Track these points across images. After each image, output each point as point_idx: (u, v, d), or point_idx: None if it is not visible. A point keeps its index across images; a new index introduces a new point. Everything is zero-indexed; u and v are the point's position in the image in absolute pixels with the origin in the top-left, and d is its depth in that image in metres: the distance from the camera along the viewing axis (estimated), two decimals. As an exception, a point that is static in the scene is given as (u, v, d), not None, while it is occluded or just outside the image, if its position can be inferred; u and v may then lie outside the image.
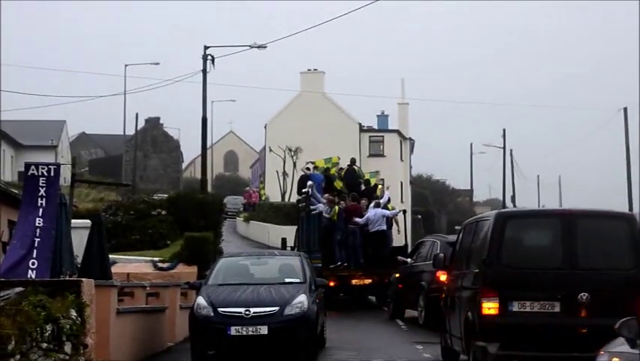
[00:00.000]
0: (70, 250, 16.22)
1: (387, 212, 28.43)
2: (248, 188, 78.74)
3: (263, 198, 64.75)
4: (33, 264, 13.92)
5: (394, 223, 29.12)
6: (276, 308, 16.23)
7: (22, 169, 15.83)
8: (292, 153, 59.53)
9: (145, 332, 17.68)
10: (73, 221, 18.41)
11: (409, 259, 25.18)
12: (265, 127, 69.80)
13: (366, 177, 32.35)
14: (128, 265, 26.47)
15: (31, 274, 13.70)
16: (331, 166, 31.62)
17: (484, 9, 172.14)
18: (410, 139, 72.47)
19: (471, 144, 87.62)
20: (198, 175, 50.33)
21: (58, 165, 15.24)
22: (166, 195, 39.84)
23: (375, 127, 71.00)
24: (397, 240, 29.64)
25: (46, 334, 10.10)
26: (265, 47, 39.92)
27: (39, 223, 14.25)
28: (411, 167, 75.15)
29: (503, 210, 18.25)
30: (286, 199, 57.98)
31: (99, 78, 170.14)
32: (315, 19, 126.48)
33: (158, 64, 65.69)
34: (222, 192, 71.96)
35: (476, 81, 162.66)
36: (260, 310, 16.13)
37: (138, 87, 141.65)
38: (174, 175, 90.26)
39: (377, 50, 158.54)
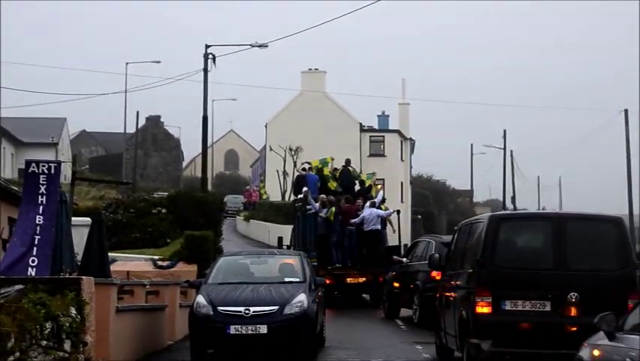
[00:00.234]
0: (70, 247, 16.11)
1: (382, 212, 28.94)
2: (248, 187, 78.68)
3: (263, 197, 64.79)
4: (33, 261, 13.82)
5: (388, 223, 29.40)
6: (276, 307, 16.22)
7: (23, 166, 15.77)
8: (293, 153, 59.52)
9: (144, 330, 17.68)
10: (73, 219, 18.37)
11: (404, 259, 25.42)
12: (266, 126, 69.73)
13: (362, 177, 32.59)
14: (128, 263, 26.48)
15: (31, 272, 13.60)
16: (324, 166, 31.59)
17: (484, 9, 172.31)
18: (411, 139, 72.38)
19: (471, 145, 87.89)
20: (198, 174, 50.40)
21: (58, 163, 15.08)
22: (166, 194, 40.00)
23: (376, 127, 70.94)
24: (392, 239, 29.93)
25: (46, 331, 10.13)
26: (266, 46, 39.91)
27: (39, 221, 14.15)
28: (411, 167, 75.11)
29: (497, 212, 18.50)
30: (286, 198, 57.95)
31: (100, 76, 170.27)
32: (315, 20, 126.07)
33: (159, 62, 65.88)
34: (222, 191, 72.11)
35: (477, 82, 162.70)
36: (259, 309, 16.13)
37: (139, 85, 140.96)
38: (174, 173, 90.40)
39: (377, 50, 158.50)
